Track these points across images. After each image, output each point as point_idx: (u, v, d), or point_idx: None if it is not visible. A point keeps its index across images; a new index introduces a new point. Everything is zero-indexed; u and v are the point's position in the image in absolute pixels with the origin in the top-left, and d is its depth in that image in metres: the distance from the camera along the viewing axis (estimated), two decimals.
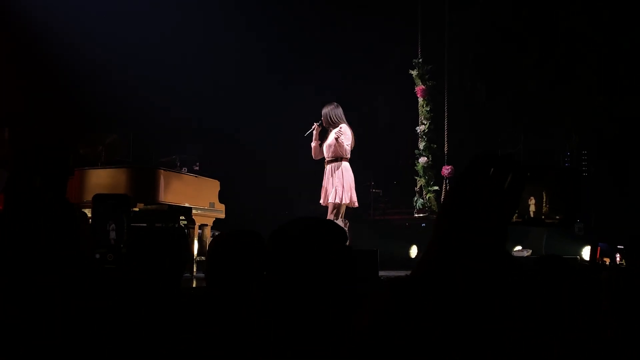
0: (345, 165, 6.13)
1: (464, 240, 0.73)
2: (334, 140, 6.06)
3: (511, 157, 0.76)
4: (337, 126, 6.10)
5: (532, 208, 0.78)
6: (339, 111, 6.18)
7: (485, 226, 0.73)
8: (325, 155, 6.19)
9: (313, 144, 6.24)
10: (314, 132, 6.20)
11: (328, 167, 6.19)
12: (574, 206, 0.79)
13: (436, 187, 8.92)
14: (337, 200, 6.01)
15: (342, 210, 6.13)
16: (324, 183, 6.21)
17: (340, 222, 6.04)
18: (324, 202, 6.22)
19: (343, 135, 6.02)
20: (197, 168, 7.12)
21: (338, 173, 6.11)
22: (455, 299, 0.72)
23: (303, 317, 1.29)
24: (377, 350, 0.71)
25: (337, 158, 6.12)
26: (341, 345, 1.13)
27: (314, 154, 6.29)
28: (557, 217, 0.79)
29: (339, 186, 6.06)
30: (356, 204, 6.24)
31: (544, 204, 0.78)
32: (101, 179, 5.94)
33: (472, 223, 0.73)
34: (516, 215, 0.77)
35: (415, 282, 0.74)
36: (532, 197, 0.78)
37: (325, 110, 6.19)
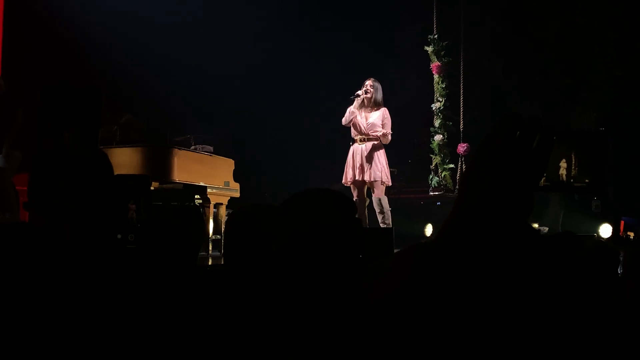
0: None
1: (490, 204, 0.70)
2: (380, 123, 6.10)
3: (538, 119, 0.74)
4: (378, 108, 6.14)
5: (562, 171, 0.76)
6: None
7: (512, 190, 0.71)
8: (366, 131, 6.13)
9: (352, 109, 6.14)
10: (358, 99, 6.14)
11: (366, 145, 6.13)
12: (602, 170, 0.77)
13: (452, 165, 8.85)
14: (385, 180, 6.11)
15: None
16: (360, 160, 6.14)
17: (386, 199, 6.15)
18: (358, 178, 6.15)
19: (388, 122, 6.14)
20: (211, 148, 7.12)
21: (381, 153, 6.14)
22: (480, 267, 0.69)
23: (313, 290, 1.28)
24: (400, 318, 0.69)
25: (378, 138, 6.13)
26: (354, 317, 1.11)
27: (347, 119, 6.16)
28: (586, 180, 0.77)
29: (385, 166, 6.12)
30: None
31: (573, 167, 0.76)
32: (116, 158, 5.94)
33: (499, 186, 0.70)
34: (544, 179, 0.75)
35: (440, 248, 0.71)
36: (563, 160, 0.76)
37: (378, 85, 6.17)
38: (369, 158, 6.08)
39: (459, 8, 9.09)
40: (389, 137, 6.13)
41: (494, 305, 0.70)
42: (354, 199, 6.06)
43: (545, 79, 9.34)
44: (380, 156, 6.12)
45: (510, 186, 0.71)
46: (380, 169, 6.08)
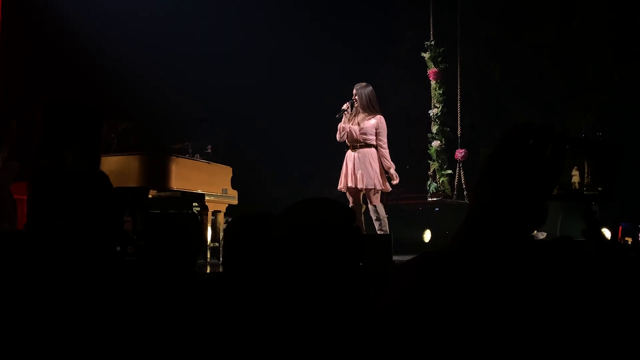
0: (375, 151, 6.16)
1: (502, 214, 0.70)
2: (374, 131, 6.05)
3: (550, 127, 0.73)
4: (373, 115, 6.08)
5: (574, 179, 0.76)
6: (373, 95, 6.15)
7: (525, 199, 0.70)
8: (360, 139, 6.09)
9: (342, 125, 6.12)
10: (346, 114, 6.11)
11: (360, 152, 6.09)
12: (614, 178, 0.76)
13: (450, 171, 8.84)
14: (379, 187, 6.06)
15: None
16: (352, 167, 6.11)
17: (381, 207, 6.10)
18: (351, 185, 6.11)
19: (383, 131, 6.09)
20: (209, 151, 7.10)
21: (375, 159, 6.10)
22: (490, 275, 0.69)
23: (310, 296, 1.27)
24: (405, 326, 0.68)
25: (373, 145, 6.10)
26: (356, 324, 1.11)
27: (339, 136, 6.15)
28: (599, 188, 0.76)
29: (379, 173, 6.10)
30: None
31: (585, 175, 0.76)
32: (113, 166, 5.93)
33: (511, 196, 0.70)
34: (557, 188, 0.74)
35: (450, 257, 0.71)
36: (575, 167, 0.75)
37: (362, 91, 6.10)
38: (362, 165, 6.03)
39: (455, 13, 9.11)
40: (384, 147, 6.14)
41: (498, 314, 0.69)
42: (350, 206, 6.04)
43: (542, 82, 9.35)
44: (374, 162, 6.07)
45: (524, 195, 0.70)
46: (373, 176, 6.02)
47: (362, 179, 6.01)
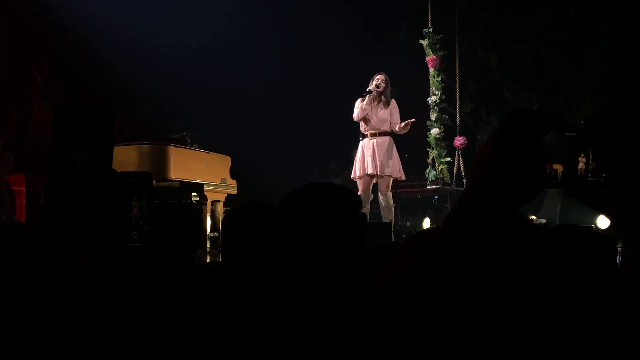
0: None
1: (499, 196, 0.70)
2: (388, 117, 6.20)
3: (548, 114, 0.73)
4: (389, 104, 6.23)
5: (580, 166, 0.75)
6: None
7: (520, 183, 0.70)
8: (378, 127, 6.20)
9: (365, 105, 6.17)
10: (371, 96, 6.18)
11: (377, 140, 6.18)
12: (622, 163, 0.75)
13: (449, 159, 8.84)
14: (396, 175, 6.14)
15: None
16: (371, 154, 6.17)
17: (390, 194, 6.18)
18: (372, 172, 6.15)
19: (397, 112, 6.28)
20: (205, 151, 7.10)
21: (392, 148, 6.21)
22: (483, 256, 0.69)
23: (314, 286, 1.26)
24: (401, 306, 0.68)
25: (389, 133, 6.23)
26: (356, 310, 1.11)
27: (359, 115, 6.21)
28: (604, 174, 0.75)
29: (398, 161, 6.19)
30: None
31: (590, 162, 0.75)
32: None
33: (508, 179, 0.70)
34: (561, 175, 0.74)
35: (446, 235, 0.71)
36: (582, 155, 0.74)
37: (388, 80, 6.24)
38: (381, 153, 6.14)
39: (453, 0, 9.08)
40: (399, 126, 6.22)
41: (497, 295, 0.70)
42: (359, 194, 6.05)
43: (539, 69, 9.33)
44: (392, 151, 6.20)
45: (519, 179, 0.71)
46: (392, 165, 6.12)
47: (384, 167, 6.08)
